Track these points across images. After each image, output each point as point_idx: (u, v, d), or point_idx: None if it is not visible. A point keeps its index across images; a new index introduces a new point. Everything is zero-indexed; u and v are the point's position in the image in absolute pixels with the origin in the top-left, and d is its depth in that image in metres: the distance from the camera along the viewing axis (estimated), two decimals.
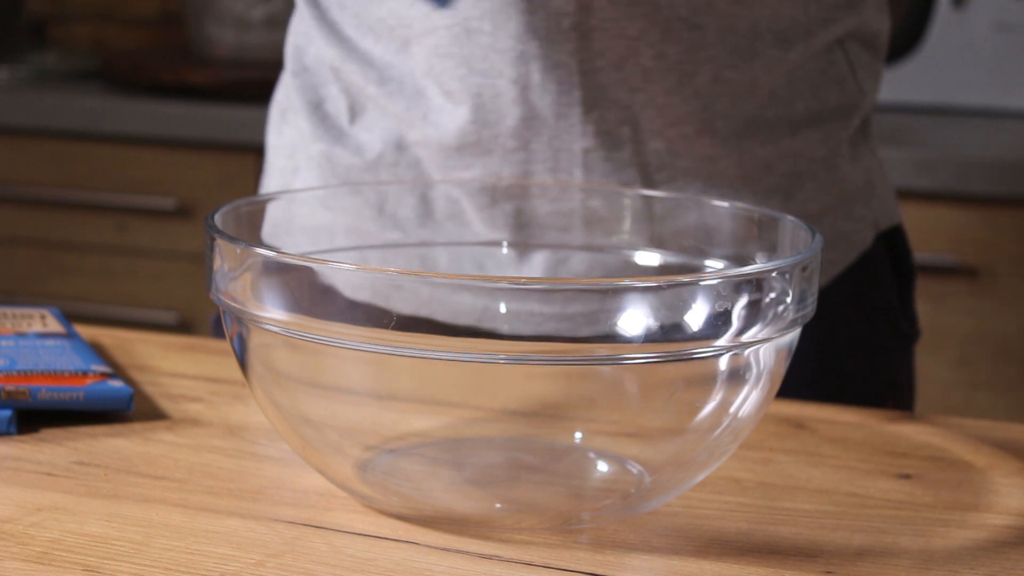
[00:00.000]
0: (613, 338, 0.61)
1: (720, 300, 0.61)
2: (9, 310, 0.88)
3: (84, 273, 2.12)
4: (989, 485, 0.72)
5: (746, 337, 0.62)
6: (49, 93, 2.12)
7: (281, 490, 0.69)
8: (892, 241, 1.01)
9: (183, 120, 2.03)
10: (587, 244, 0.85)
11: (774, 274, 0.62)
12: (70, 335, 0.85)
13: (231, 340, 0.67)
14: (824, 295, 0.79)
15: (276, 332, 0.63)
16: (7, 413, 0.75)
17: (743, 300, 0.62)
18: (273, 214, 0.75)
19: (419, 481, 0.71)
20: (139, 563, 0.61)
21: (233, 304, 0.64)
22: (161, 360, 0.88)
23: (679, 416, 0.66)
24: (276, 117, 0.99)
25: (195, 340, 0.97)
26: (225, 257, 0.64)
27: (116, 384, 0.78)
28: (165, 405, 0.80)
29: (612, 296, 0.60)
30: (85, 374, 0.78)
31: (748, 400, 0.65)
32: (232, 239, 0.65)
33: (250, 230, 0.73)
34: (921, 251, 1.76)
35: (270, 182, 0.99)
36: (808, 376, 0.70)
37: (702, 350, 0.62)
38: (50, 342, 0.83)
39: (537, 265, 0.86)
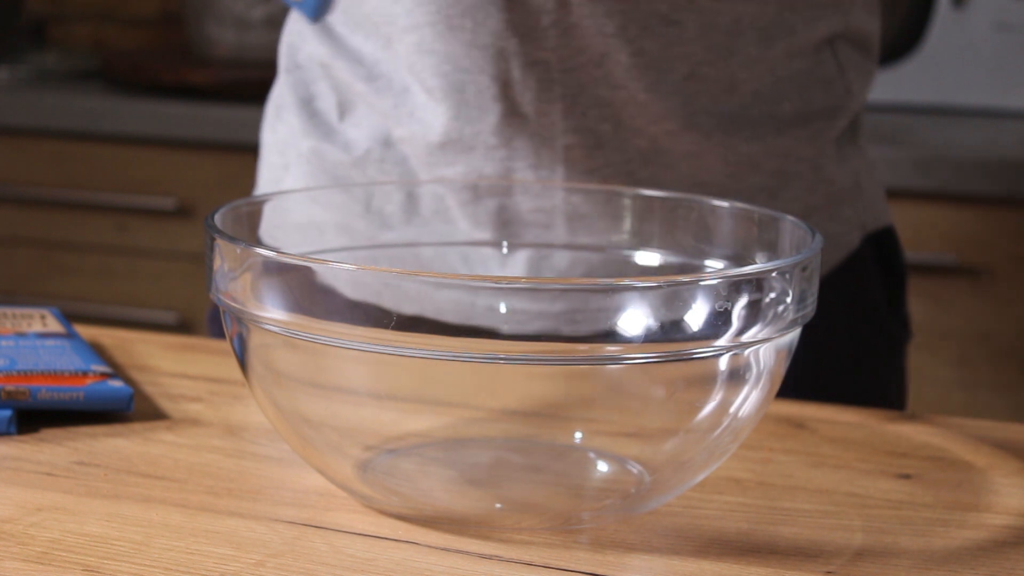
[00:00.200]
0: (613, 338, 0.61)
1: (720, 300, 0.61)
2: (9, 310, 0.88)
3: (84, 273, 2.12)
4: (989, 485, 0.72)
5: (746, 337, 0.62)
6: (49, 93, 2.12)
7: (281, 490, 0.69)
8: (881, 242, 1.01)
9: (183, 120, 2.03)
10: (570, 242, 0.86)
11: (774, 274, 0.62)
12: (70, 335, 0.85)
13: (231, 340, 0.67)
14: None
15: (276, 332, 0.63)
16: (7, 413, 0.75)
17: (743, 300, 0.62)
18: (264, 211, 0.75)
19: (419, 481, 0.71)
20: (139, 563, 0.61)
21: (233, 304, 0.64)
22: (161, 360, 0.88)
23: (679, 416, 0.66)
24: (271, 115, 1.00)
25: (195, 340, 0.97)
26: (225, 257, 0.64)
27: (116, 384, 0.78)
28: (165, 405, 0.80)
29: (612, 294, 0.60)
30: (85, 374, 0.78)
31: (748, 400, 0.65)
32: (232, 239, 0.65)
33: (250, 230, 0.73)
34: (921, 251, 1.76)
35: (263, 179, 1.00)
36: (794, 378, 0.70)
37: (702, 350, 0.62)
38: (50, 342, 0.83)
39: (520, 262, 0.87)
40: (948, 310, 1.77)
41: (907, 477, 0.73)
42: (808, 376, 0.90)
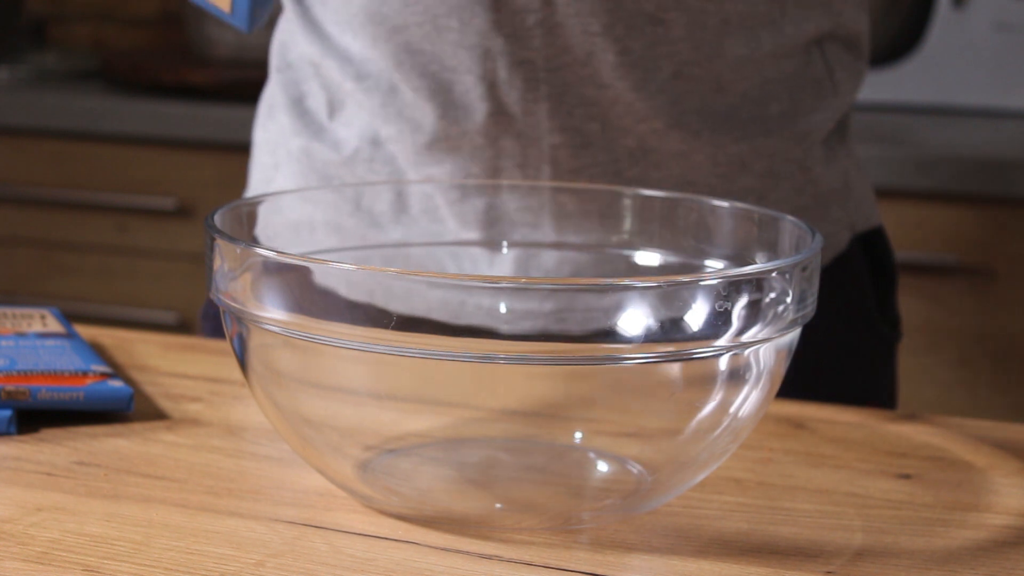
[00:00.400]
0: (612, 338, 0.61)
1: (720, 300, 0.61)
2: (9, 310, 0.88)
3: (84, 273, 2.12)
4: (989, 485, 0.72)
5: (746, 337, 0.62)
6: (49, 93, 2.12)
7: (281, 490, 0.69)
8: (871, 243, 1.01)
9: (183, 120, 2.03)
10: (559, 241, 0.86)
11: (774, 274, 0.62)
12: (70, 335, 0.85)
13: (231, 340, 0.67)
14: None
15: (276, 332, 0.63)
16: (7, 413, 0.75)
17: (743, 300, 0.62)
18: (259, 211, 0.75)
19: (419, 481, 0.71)
20: (139, 563, 0.61)
21: (233, 304, 0.64)
22: (161, 360, 0.88)
23: (679, 416, 0.66)
24: (263, 114, 1.01)
25: (195, 340, 0.97)
26: (225, 257, 0.64)
27: (116, 384, 0.78)
28: (165, 405, 0.80)
29: (609, 294, 0.60)
30: (85, 374, 0.78)
31: (748, 400, 0.65)
32: (232, 239, 0.65)
33: (249, 230, 0.73)
34: (921, 251, 1.76)
35: (254, 178, 1.01)
36: (784, 379, 0.70)
37: (702, 350, 0.62)
38: (50, 342, 0.83)
39: (509, 260, 0.87)
40: (948, 310, 1.77)
41: (907, 477, 0.73)
42: (798, 377, 0.90)
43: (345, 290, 0.63)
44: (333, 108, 0.94)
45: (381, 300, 0.64)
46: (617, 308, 0.60)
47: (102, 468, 0.71)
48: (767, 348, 0.64)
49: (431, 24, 0.87)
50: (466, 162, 0.89)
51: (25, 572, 0.60)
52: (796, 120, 0.92)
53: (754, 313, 0.62)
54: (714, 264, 0.76)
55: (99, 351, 0.88)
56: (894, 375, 1.05)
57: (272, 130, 0.98)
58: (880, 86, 1.96)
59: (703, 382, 0.64)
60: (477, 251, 0.88)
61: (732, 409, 0.65)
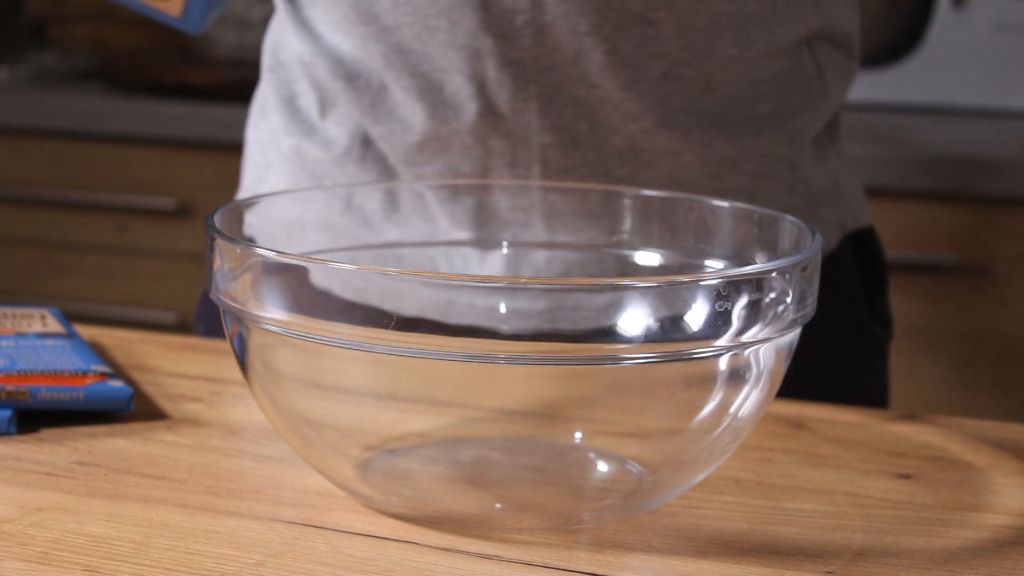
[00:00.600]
0: (612, 337, 0.61)
1: (720, 300, 0.61)
2: (9, 310, 0.88)
3: (84, 273, 2.12)
4: (989, 485, 0.72)
5: (746, 337, 0.62)
6: (49, 93, 2.12)
7: (281, 490, 0.69)
8: (861, 243, 1.01)
9: (183, 120, 2.03)
10: (549, 240, 0.86)
11: (774, 274, 0.62)
12: (70, 335, 0.85)
13: (231, 340, 0.67)
14: None
15: (276, 332, 0.63)
16: (7, 413, 0.75)
17: (743, 300, 0.62)
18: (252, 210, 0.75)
19: (419, 481, 0.71)
20: (139, 563, 0.61)
21: (233, 304, 0.64)
22: (161, 360, 0.88)
23: (679, 416, 0.66)
24: (255, 114, 1.01)
25: (195, 340, 0.97)
26: (225, 257, 0.64)
27: (116, 384, 0.78)
28: (165, 405, 0.80)
29: (607, 294, 0.60)
30: (85, 374, 0.78)
31: (748, 400, 0.65)
32: (232, 239, 0.65)
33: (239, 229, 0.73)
34: (921, 251, 1.76)
35: (246, 178, 1.01)
36: None
37: (702, 350, 0.62)
38: (50, 342, 0.83)
39: (499, 260, 0.88)
40: (948, 310, 1.77)
41: (907, 477, 0.73)
42: (788, 377, 0.90)
43: (338, 289, 0.63)
44: (324, 107, 0.94)
45: (375, 299, 0.64)
46: (616, 308, 0.60)
47: (102, 468, 0.71)
48: (767, 348, 0.64)
49: (421, 24, 0.88)
50: (456, 161, 0.89)
51: (25, 572, 0.60)
52: (786, 120, 0.92)
53: (754, 313, 0.62)
54: (714, 264, 0.76)
55: (99, 351, 0.88)
56: (886, 375, 1.05)
57: (264, 129, 0.99)
58: (880, 86, 1.96)
59: (703, 382, 0.64)
60: (468, 250, 0.88)
61: (732, 409, 0.65)
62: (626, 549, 0.64)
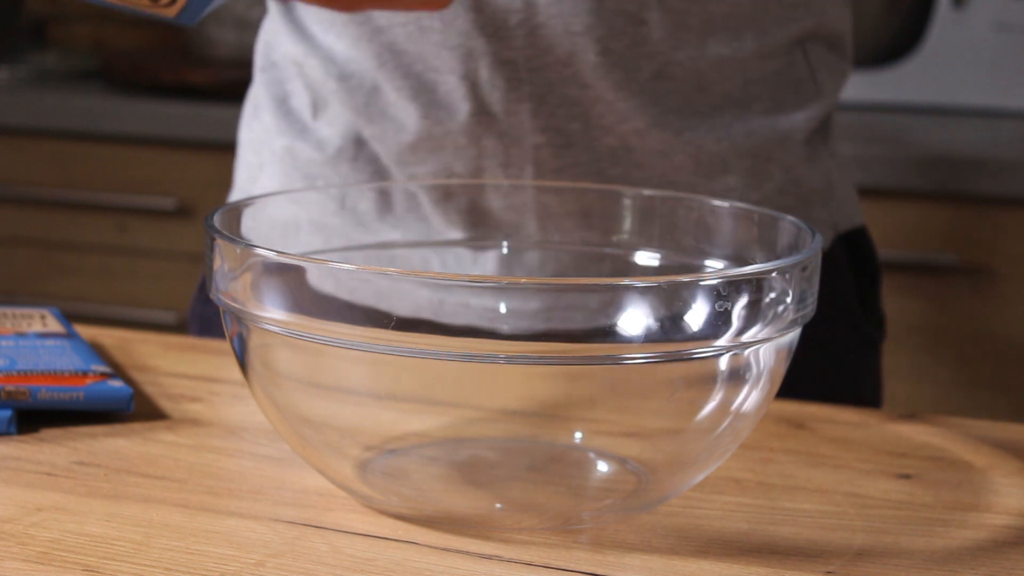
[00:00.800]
0: (613, 337, 0.61)
1: (720, 300, 0.61)
2: (9, 310, 0.88)
3: (84, 273, 2.12)
4: (989, 485, 0.72)
5: (746, 337, 0.62)
6: (49, 93, 2.12)
7: (281, 490, 0.69)
8: (854, 243, 1.01)
9: (183, 120, 2.03)
10: (542, 240, 0.86)
11: (774, 274, 0.62)
12: (70, 335, 0.85)
13: (231, 340, 0.67)
14: None
15: (276, 332, 0.63)
16: (7, 413, 0.75)
17: (743, 300, 0.62)
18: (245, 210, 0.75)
19: (419, 481, 0.71)
20: (139, 563, 0.61)
21: (233, 304, 0.64)
22: (161, 360, 0.88)
23: (679, 416, 0.66)
24: (248, 114, 1.01)
25: (195, 340, 0.97)
26: (225, 257, 0.64)
27: (116, 384, 0.78)
28: (165, 405, 0.80)
29: (608, 293, 0.60)
30: (85, 374, 0.78)
31: (748, 400, 0.65)
32: (232, 239, 0.65)
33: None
34: (921, 251, 1.76)
35: (239, 178, 1.01)
36: None
37: (702, 350, 0.62)
38: (50, 342, 0.83)
39: (492, 259, 0.88)
40: (948, 310, 1.77)
41: (907, 477, 0.73)
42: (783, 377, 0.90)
43: (331, 289, 0.63)
44: (317, 108, 0.94)
45: (370, 300, 0.64)
46: (612, 308, 0.60)
47: (102, 468, 0.71)
48: (767, 348, 0.64)
49: (414, 24, 0.88)
50: (449, 162, 0.89)
51: (25, 572, 0.60)
52: (779, 120, 0.92)
53: (754, 313, 0.62)
54: (713, 264, 0.76)
55: (99, 351, 0.88)
56: (879, 374, 1.05)
57: (257, 129, 0.99)
58: (880, 86, 1.96)
59: (703, 382, 0.64)
60: (461, 250, 0.88)
61: (732, 409, 0.65)
62: (626, 549, 0.64)
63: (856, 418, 0.82)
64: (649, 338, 0.60)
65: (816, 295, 0.66)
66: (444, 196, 0.87)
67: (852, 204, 1.00)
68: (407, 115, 0.89)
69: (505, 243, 0.87)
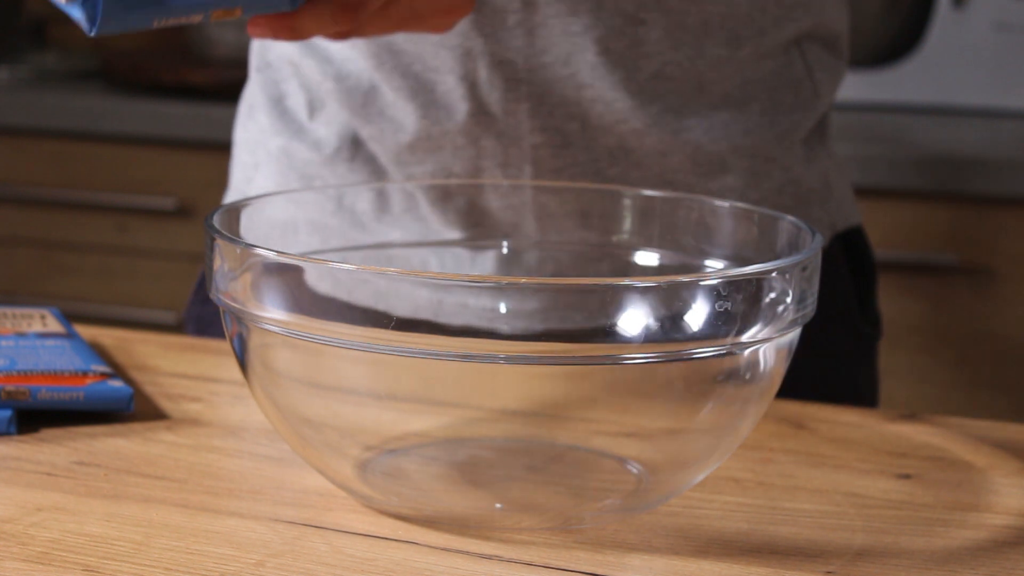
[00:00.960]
0: (613, 337, 0.61)
1: (720, 300, 0.61)
2: (9, 310, 0.88)
3: (84, 273, 2.12)
4: (989, 485, 0.72)
5: (746, 337, 0.62)
6: (49, 93, 2.12)
7: (281, 490, 0.69)
8: (851, 242, 1.01)
9: (183, 120, 2.03)
10: (541, 240, 0.86)
11: (774, 274, 0.62)
12: (70, 335, 0.85)
13: (231, 340, 0.67)
14: None
15: (276, 332, 0.63)
16: (7, 413, 0.75)
17: (743, 300, 0.62)
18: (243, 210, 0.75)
19: (419, 481, 0.71)
20: (139, 563, 0.61)
21: (233, 304, 0.64)
22: (161, 360, 0.88)
23: (679, 416, 0.66)
24: (243, 114, 1.02)
25: (195, 340, 0.97)
26: (225, 257, 0.65)
27: (116, 384, 0.78)
28: (165, 405, 0.80)
29: (607, 293, 0.60)
30: (85, 374, 0.78)
31: (748, 400, 0.65)
32: (232, 239, 0.65)
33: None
34: (921, 251, 1.76)
35: (235, 178, 1.01)
36: None
37: (702, 350, 0.62)
38: (50, 342, 0.83)
39: (490, 259, 0.88)
40: (948, 310, 1.77)
41: (907, 477, 0.73)
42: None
43: (329, 289, 0.63)
44: (313, 108, 0.94)
45: (369, 300, 0.64)
46: (611, 308, 0.60)
47: (102, 468, 0.71)
48: (767, 348, 0.64)
49: None
50: (447, 162, 0.89)
51: (25, 572, 0.60)
52: (776, 120, 0.92)
53: (754, 313, 0.62)
54: (713, 264, 0.76)
55: (99, 351, 0.88)
56: (875, 374, 1.05)
57: (252, 130, 0.99)
58: (880, 86, 1.96)
59: (703, 382, 0.64)
60: (459, 250, 0.88)
61: (732, 409, 0.65)
62: (626, 549, 0.64)
63: (856, 418, 0.82)
64: (649, 338, 0.60)
65: (816, 295, 0.66)
66: (442, 196, 0.87)
67: (849, 203, 1.00)
68: (405, 115, 0.89)
69: (504, 243, 0.87)
